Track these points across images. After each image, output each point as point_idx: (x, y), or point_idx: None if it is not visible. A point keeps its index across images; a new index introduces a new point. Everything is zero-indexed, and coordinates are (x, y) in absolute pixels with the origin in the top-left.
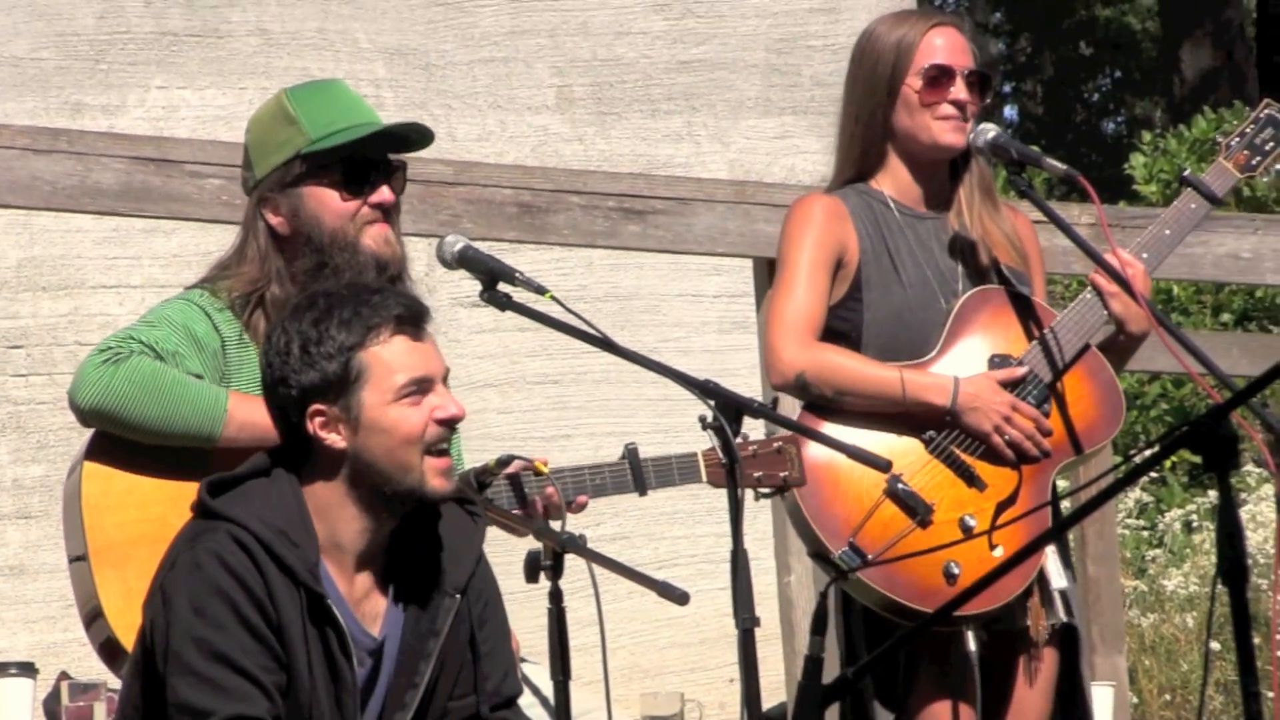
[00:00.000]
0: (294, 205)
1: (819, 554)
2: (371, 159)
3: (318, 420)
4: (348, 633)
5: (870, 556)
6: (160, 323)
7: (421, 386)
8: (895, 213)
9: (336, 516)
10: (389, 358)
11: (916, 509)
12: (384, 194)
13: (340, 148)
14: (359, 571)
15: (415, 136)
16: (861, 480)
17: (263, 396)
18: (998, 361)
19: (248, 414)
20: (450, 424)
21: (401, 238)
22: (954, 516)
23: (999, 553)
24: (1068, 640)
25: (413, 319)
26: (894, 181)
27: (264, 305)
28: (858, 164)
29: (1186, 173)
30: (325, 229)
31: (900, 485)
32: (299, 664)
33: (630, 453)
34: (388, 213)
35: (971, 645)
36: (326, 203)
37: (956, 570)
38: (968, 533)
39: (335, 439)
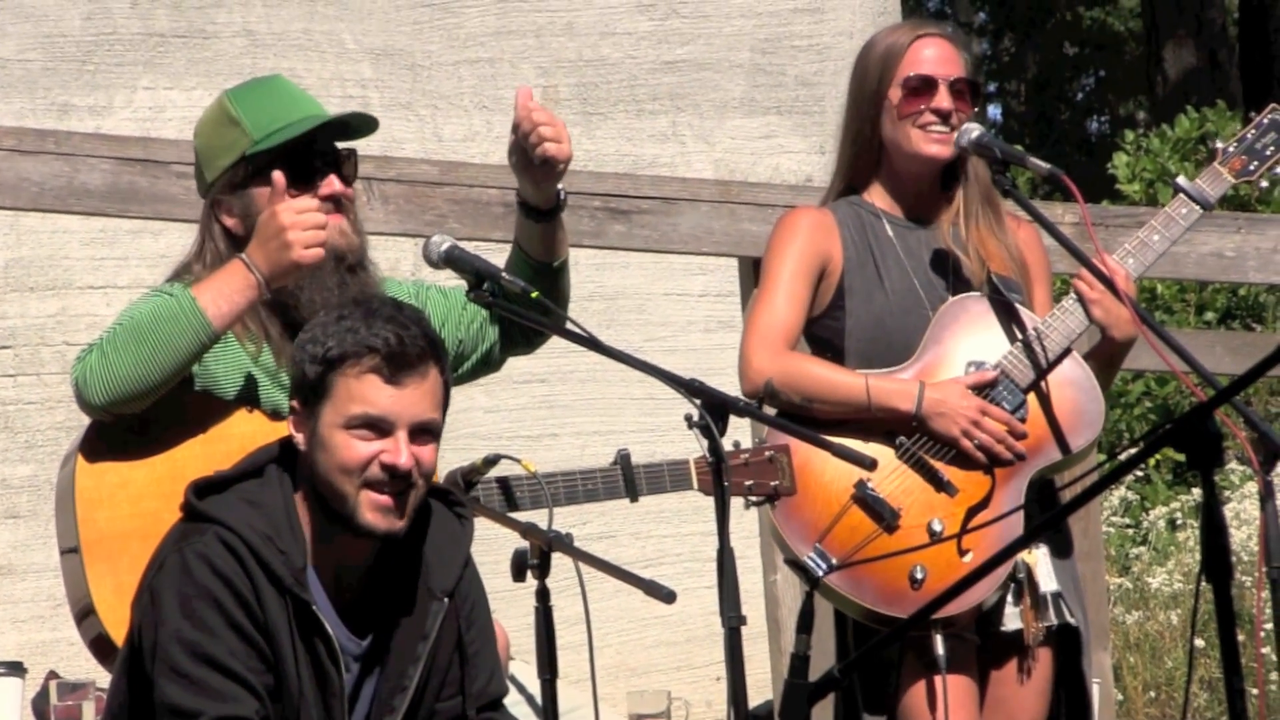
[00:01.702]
0: (245, 206)
1: (792, 561)
2: (316, 151)
3: (294, 417)
4: (335, 640)
5: (834, 561)
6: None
7: (377, 426)
8: (886, 224)
9: (315, 520)
10: (354, 388)
11: (883, 514)
12: (333, 184)
13: (283, 144)
14: (346, 576)
15: (359, 124)
16: (831, 485)
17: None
18: (973, 367)
19: (215, 291)
20: (392, 471)
21: (360, 226)
22: (922, 521)
23: (969, 558)
24: (1065, 640)
25: (396, 360)
26: (886, 193)
27: None
28: (849, 173)
29: (1179, 179)
30: None
31: (868, 490)
32: (287, 667)
33: (623, 459)
34: (339, 202)
35: (939, 649)
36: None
37: (921, 575)
38: (934, 537)
39: (300, 439)
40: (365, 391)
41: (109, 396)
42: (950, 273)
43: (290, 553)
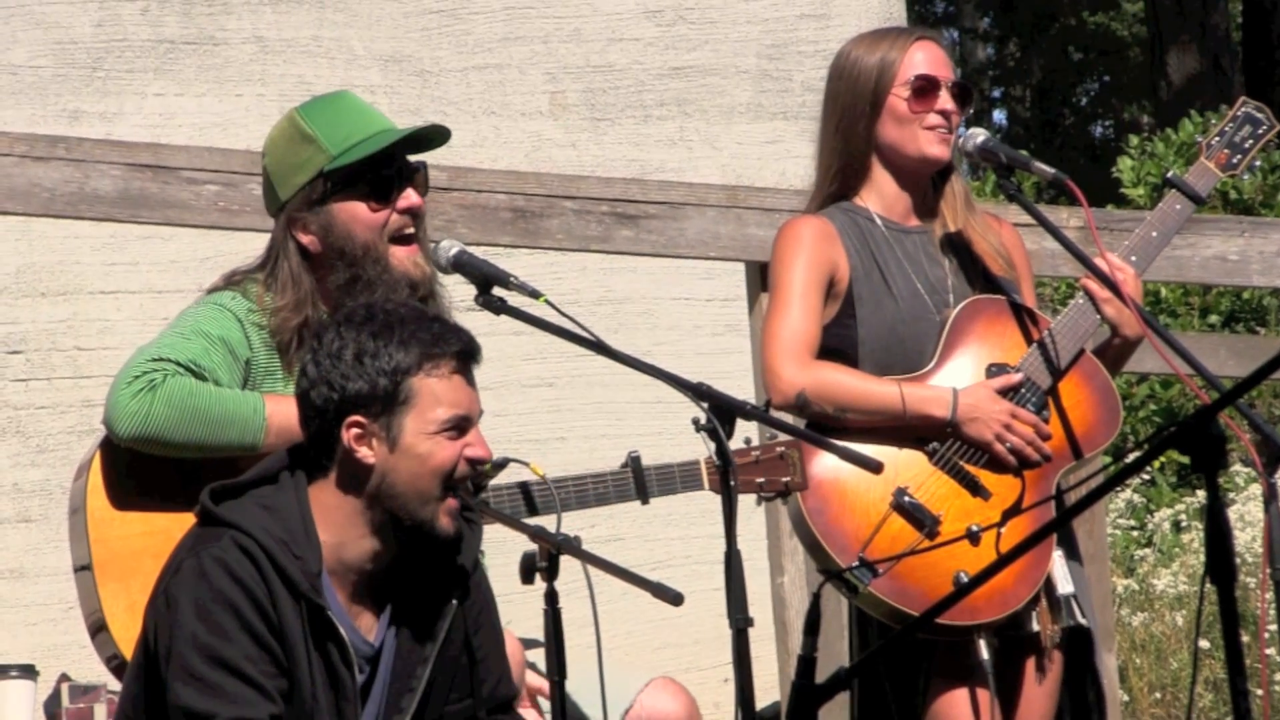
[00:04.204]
0: (325, 222)
1: (830, 571)
2: (394, 165)
3: (353, 431)
4: (349, 643)
5: (880, 570)
6: (195, 335)
7: (461, 426)
8: (881, 228)
9: (345, 530)
10: (440, 390)
11: (924, 521)
12: (411, 198)
13: (363, 160)
14: (360, 580)
15: (433, 136)
16: (868, 494)
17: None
18: (995, 370)
19: (285, 419)
20: (477, 464)
21: (430, 254)
22: (961, 527)
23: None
24: (1078, 642)
25: (470, 359)
26: (878, 196)
27: (302, 334)
28: (839, 178)
29: (1170, 174)
30: (358, 242)
31: (907, 498)
32: (300, 671)
33: (633, 461)
34: (417, 217)
35: (984, 653)
36: (357, 215)
37: (966, 579)
38: (974, 540)
39: (367, 454)
40: (451, 393)
41: (134, 437)
42: (950, 274)
43: (306, 558)
